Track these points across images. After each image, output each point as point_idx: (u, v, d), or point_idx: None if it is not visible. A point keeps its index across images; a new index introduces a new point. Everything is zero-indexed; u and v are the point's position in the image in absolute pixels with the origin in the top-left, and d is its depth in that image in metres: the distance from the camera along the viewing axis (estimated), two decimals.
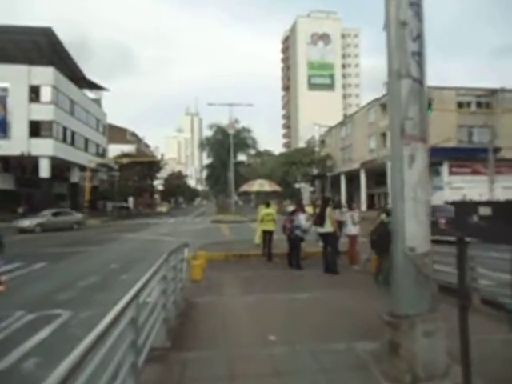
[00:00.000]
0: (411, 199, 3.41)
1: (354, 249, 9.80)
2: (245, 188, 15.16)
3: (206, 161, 56.31)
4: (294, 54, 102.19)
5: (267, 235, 11.02)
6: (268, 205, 11.76)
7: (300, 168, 49.99)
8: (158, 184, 76.79)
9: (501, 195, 26.67)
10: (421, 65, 3.54)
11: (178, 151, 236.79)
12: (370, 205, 41.44)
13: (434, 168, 29.01)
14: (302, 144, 63.59)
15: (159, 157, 65.88)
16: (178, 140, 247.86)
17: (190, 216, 46.66)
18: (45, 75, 33.87)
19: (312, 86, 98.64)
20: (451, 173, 31.79)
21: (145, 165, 51.88)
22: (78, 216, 28.32)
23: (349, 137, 47.80)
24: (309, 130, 65.09)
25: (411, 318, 3.33)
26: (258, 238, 12.12)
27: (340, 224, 9.70)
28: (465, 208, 16.96)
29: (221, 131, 47.36)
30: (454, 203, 19.26)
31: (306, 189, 54.11)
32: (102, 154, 49.39)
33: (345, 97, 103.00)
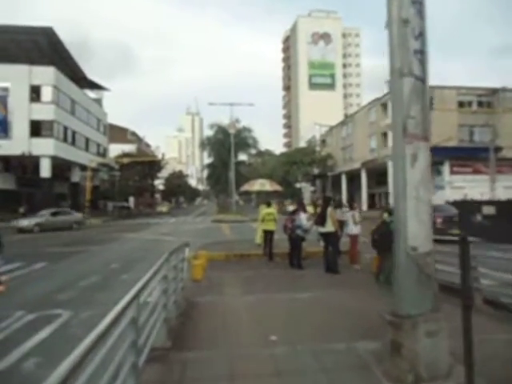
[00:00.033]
0: (413, 198, 3.39)
1: (355, 248, 9.78)
2: (246, 188, 15.15)
3: (207, 160, 56.36)
4: (294, 53, 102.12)
5: (268, 235, 11.01)
6: (269, 204, 11.75)
7: (301, 168, 49.95)
8: (159, 184, 76.82)
9: (502, 195, 26.62)
10: (423, 63, 3.52)
11: (179, 151, 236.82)
12: (371, 204, 41.41)
13: (435, 167, 28.97)
14: (302, 144, 63.55)
15: (160, 156, 65.90)
16: (179, 140, 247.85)
17: (191, 216, 46.66)
18: (46, 75, 33.88)
19: (313, 86, 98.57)
20: (452, 172, 31.74)
21: (145, 164, 51.86)
22: (77, 216, 28.22)
23: (350, 136, 47.75)
24: (309, 130, 65.04)
25: (413, 317, 3.31)
26: (258, 238, 12.11)
27: (341, 224, 9.68)
28: (468, 207, 16.86)
29: (222, 131, 47.37)
30: (457, 202, 19.19)
31: (306, 188, 54.00)
32: (103, 153, 49.42)
33: (346, 96, 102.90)
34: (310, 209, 17.59)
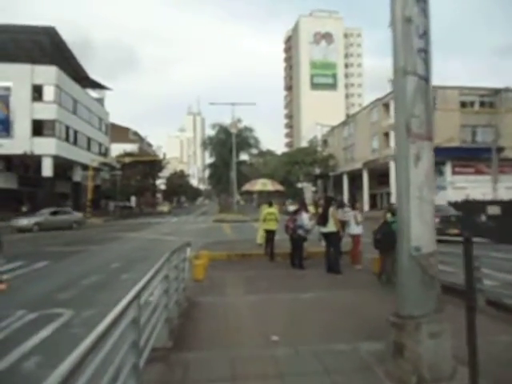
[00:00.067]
0: (417, 198, 3.36)
1: (356, 248, 9.75)
2: (247, 187, 15.11)
3: (209, 160, 56.26)
4: (296, 53, 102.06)
5: (269, 234, 10.99)
6: (271, 204, 11.73)
7: (302, 168, 49.92)
8: (161, 183, 76.87)
9: (504, 195, 26.54)
10: (427, 62, 3.49)
11: (181, 150, 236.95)
12: (373, 205, 41.33)
13: (437, 168, 28.88)
14: (304, 144, 63.47)
15: (161, 156, 65.91)
16: (181, 139, 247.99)
17: (193, 215, 46.68)
18: (48, 74, 33.90)
19: (314, 86, 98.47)
20: (454, 173, 31.66)
21: (147, 164, 51.90)
22: (77, 215, 28.16)
23: (351, 136, 47.68)
24: (311, 130, 65.00)
25: (416, 318, 3.28)
26: (260, 238, 12.09)
27: (343, 224, 9.65)
28: (473, 207, 16.76)
29: (223, 130, 47.33)
30: (462, 202, 19.09)
31: (308, 188, 53.93)
32: (105, 153, 49.44)
33: (347, 96, 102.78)
34: (311, 209, 17.57)
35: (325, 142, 57.03)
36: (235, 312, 5.82)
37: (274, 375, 3.59)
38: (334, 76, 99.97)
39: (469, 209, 16.28)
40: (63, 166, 38.20)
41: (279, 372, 3.66)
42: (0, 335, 5.17)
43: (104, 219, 36.60)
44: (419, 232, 3.37)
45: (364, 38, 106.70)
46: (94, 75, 44.72)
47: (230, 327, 5.08)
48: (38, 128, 33.67)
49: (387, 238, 7.04)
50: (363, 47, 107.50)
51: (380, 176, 39.39)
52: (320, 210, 10.32)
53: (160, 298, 4.11)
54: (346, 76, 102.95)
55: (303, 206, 10.37)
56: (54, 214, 25.76)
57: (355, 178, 45.38)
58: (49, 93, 34.15)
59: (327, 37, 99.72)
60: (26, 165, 35.91)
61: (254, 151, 50.70)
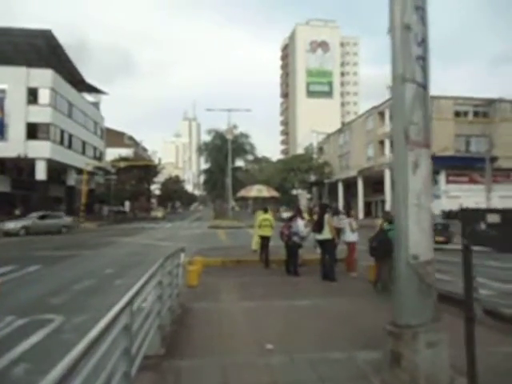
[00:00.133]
0: (415, 206, 3.33)
1: (352, 256, 9.72)
2: (243, 193, 15.06)
3: (204, 166, 56.27)
4: (292, 61, 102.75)
5: (264, 240, 10.93)
6: (266, 210, 11.69)
7: (298, 175, 50.03)
8: (155, 188, 76.55)
9: (497, 204, 26.71)
10: (425, 70, 3.49)
11: (176, 156, 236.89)
12: (367, 212, 41.43)
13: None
14: (300, 151, 63.68)
15: (157, 161, 65.74)
16: (176, 145, 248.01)
17: (187, 221, 46.50)
18: (43, 77, 33.76)
19: (310, 94, 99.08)
20: (448, 181, 31.88)
21: (142, 169, 51.68)
22: (66, 219, 27.71)
23: (347, 144, 47.92)
24: (307, 137, 65.27)
25: (414, 327, 3.24)
26: (255, 244, 12.03)
27: (338, 231, 9.63)
28: (470, 215, 16.78)
29: (219, 136, 47.39)
30: (458, 210, 19.16)
31: (303, 195, 54.10)
32: (99, 157, 49.22)
33: (343, 104, 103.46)
34: (305, 216, 17.53)
35: (320, 149, 57.26)
36: (229, 319, 5.75)
37: None
38: (330, 84, 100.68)
39: (466, 217, 16.31)
40: (57, 170, 37.96)
41: (273, 380, 3.60)
42: None
43: (98, 224, 36.31)
44: (417, 240, 3.34)
45: (360, 46, 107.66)
46: (90, 79, 44.68)
47: (224, 334, 5.01)
48: (33, 131, 33.47)
49: (383, 246, 7.03)
50: (359, 56, 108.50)
51: (375, 184, 39.56)
52: (315, 217, 10.30)
53: (153, 305, 4.04)
54: (342, 84, 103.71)
55: (298, 213, 10.34)
56: (43, 217, 25.32)
57: (350, 185, 45.53)
58: (44, 96, 34.00)
59: (323, 45, 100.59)
60: (20, 168, 35.61)
61: (250, 157, 50.88)
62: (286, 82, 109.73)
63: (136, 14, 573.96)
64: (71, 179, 41.09)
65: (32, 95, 33.82)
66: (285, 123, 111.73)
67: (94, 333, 1.99)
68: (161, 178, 70.86)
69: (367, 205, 42.74)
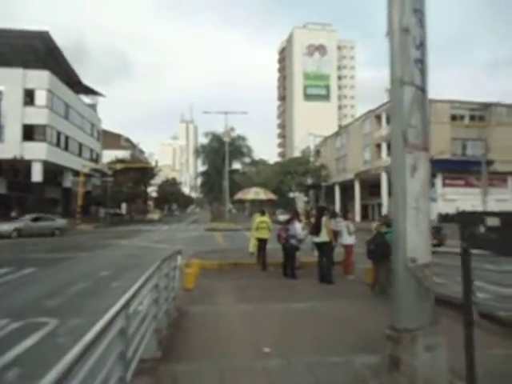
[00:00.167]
0: (413, 209, 3.32)
1: (349, 259, 9.71)
2: (240, 196, 15.04)
3: (201, 168, 56.22)
4: (290, 64, 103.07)
5: (261, 243, 10.90)
6: (263, 213, 11.66)
7: (295, 177, 50.06)
8: (152, 191, 76.38)
9: (493, 208, 26.84)
10: (423, 73, 3.48)
11: (173, 158, 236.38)
12: (364, 215, 41.46)
13: None
14: (297, 154, 63.76)
15: (153, 163, 65.60)
16: (173, 147, 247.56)
17: (184, 223, 46.38)
18: (40, 79, 33.65)
19: (308, 97, 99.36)
20: (445, 185, 31.99)
21: (139, 171, 51.58)
22: (60, 222, 27.47)
23: (344, 147, 48.01)
24: (304, 140, 65.34)
25: (412, 331, 3.22)
26: (252, 247, 11.98)
27: (335, 234, 9.62)
28: (468, 218, 16.80)
29: (216, 139, 47.39)
30: (456, 213, 19.16)
31: (300, 198, 54.04)
32: (96, 159, 49.04)
33: (340, 108, 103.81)
34: (302, 219, 17.53)
35: (317, 152, 57.34)
36: (226, 322, 5.71)
37: None
38: (327, 87, 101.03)
39: (464, 220, 16.34)
40: (54, 172, 37.79)
41: None
42: None
43: (94, 226, 36.16)
44: (415, 242, 3.33)
45: (357, 50, 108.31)
46: (87, 81, 44.61)
47: (221, 338, 4.97)
48: (29, 132, 33.32)
49: (381, 249, 7.02)
50: (356, 60, 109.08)
51: (372, 187, 39.61)
52: (312, 219, 10.28)
53: (149, 308, 4.00)
54: (339, 87, 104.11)
55: (296, 216, 10.32)
56: (36, 220, 25.11)
57: (347, 188, 45.57)
58: (41, 97, 33.87)
59: (321, 49, 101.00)
60: (16, 169, 35.40)
61: (247, 160, 50.86)
62: (283, 84, 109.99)
63: (133, 16, 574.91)
64: (67, 181, 40.92)
65: (28, 96, 33.69)
66: (282, 126, 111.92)
67: (89, 336, 1.97)
68: (158, 180, 70.72)
69: (364, 208, 42.78)
